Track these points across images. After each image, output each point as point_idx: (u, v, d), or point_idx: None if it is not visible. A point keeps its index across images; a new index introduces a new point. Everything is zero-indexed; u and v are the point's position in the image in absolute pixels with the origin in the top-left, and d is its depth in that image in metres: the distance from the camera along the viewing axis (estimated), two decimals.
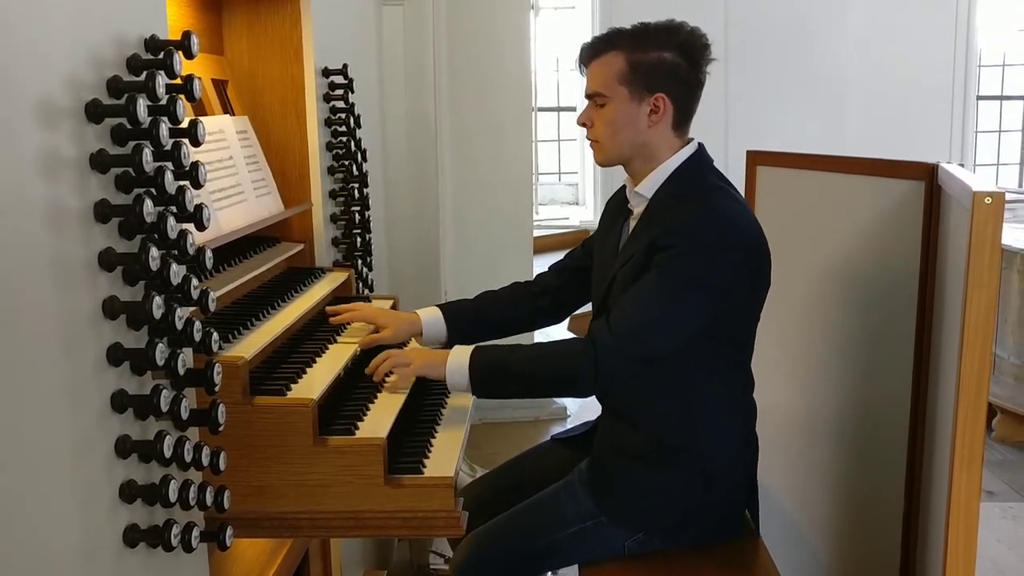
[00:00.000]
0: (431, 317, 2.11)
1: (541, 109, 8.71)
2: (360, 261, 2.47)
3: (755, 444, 2.06)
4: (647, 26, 1.90)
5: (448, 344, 2.13)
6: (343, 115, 2.46)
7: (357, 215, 2.49)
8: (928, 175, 2.11)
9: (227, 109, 2.12)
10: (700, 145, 1.97)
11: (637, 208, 1.98)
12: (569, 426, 2.72)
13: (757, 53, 7.39)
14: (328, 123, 2.42)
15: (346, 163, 2.46)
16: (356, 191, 2.49)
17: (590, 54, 1.94)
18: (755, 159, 2.67)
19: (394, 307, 2.32)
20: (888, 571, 2.29)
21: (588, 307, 2.27)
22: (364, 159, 2.56)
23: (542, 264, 2.42)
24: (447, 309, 2.15)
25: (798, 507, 2.60)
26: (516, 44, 4.62)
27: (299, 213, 2.21)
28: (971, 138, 8.40)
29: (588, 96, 1.95)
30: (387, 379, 1.87)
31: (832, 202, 2.43)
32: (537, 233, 5.18)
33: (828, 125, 7.36)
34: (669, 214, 1.87)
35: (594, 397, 2.06)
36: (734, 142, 5.74)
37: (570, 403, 4.96)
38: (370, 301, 2.31)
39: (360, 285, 2.45)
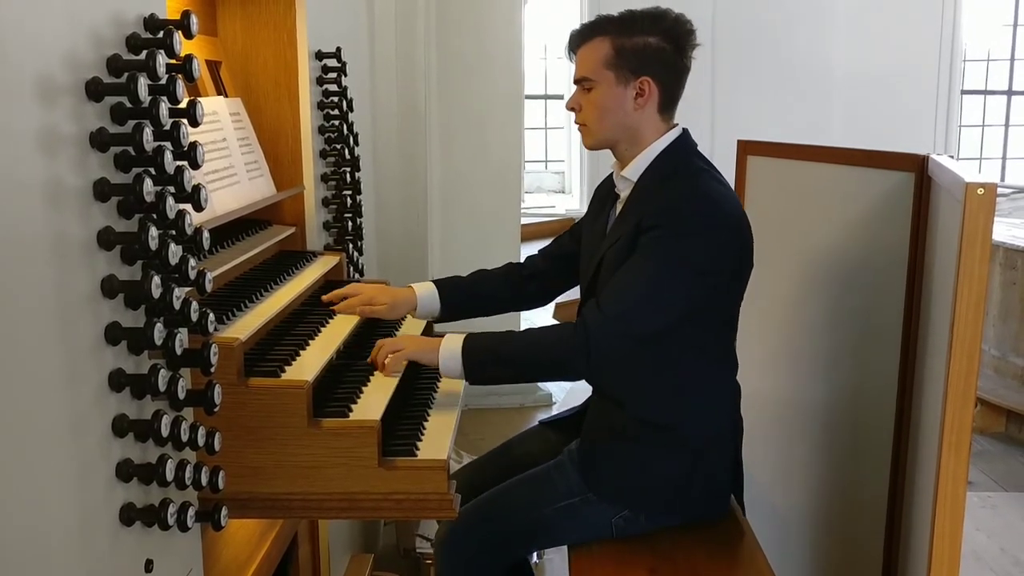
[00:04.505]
0: (426, 292, 2.15)
1: (528, 97, 8.70)
2: (351, 245, 2.47)
3: (740, 424, 2.09)
4: (633, 12, 1.94)
5: (440, 318, 2.16)
6: (336, 98, 2.45)
7: (348, 199, 2.48)
8: (918, 166, 2.13)
9: (220, 91, 2.11)
10: (684, 130, 2.01)
11: (624, 192, 2.01)
12: (555, 412, 2.74)
13: (744, 45, 7.41)
14: (321, 106, 2.41)
15: (338, 147, 2.45)
16: (348, 175, 2.48)
17: (578, 40, 1.98)
18: (746, 148, 2.68)
19: None
20: (872, 556, 2.31)
21: (573, 293, 2.28)
22: (356, 143, 2.56)
23: (528, 251, 2.44)
24: (442, 285, 2.18)
25: (783, 491, 2.63)
26: (506, 31, 4.61)
27: (291, 196, 2.21)
28: (955, 132, 8.46)
29: (576, 81, 1.98)
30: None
31: (822, 192, 2.45)
32: (523, 221, 5.18)
33: (813, 117, 7.39)
34: (654, 196, 1.91)
35: (582, 380, 2.08)
36: (720, 134, 5.76)
37: (556, 389, 4.98)
38: None
39: (351, 269, 2.45)
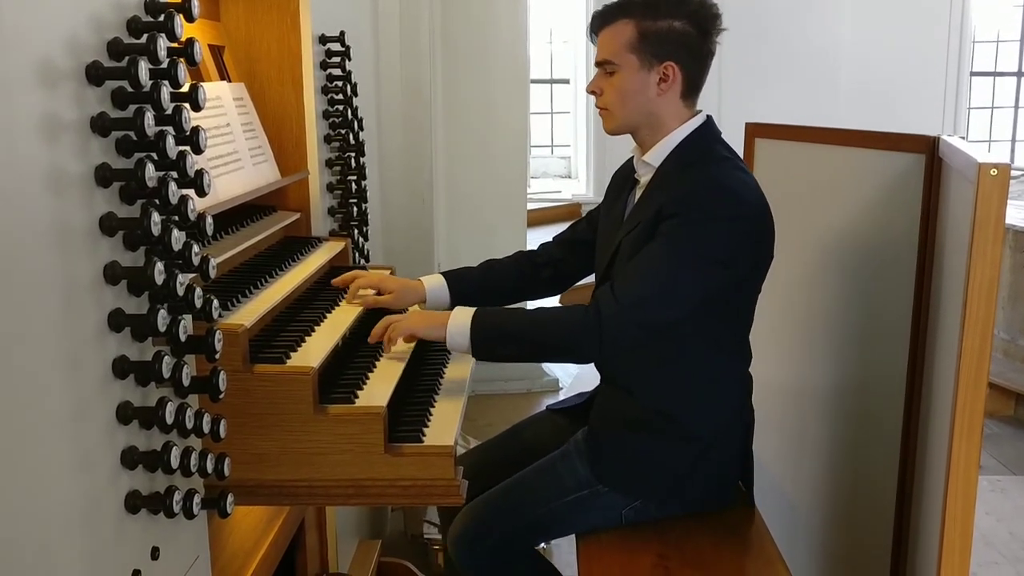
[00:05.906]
0: (435, 285, 2.13)
1: (534, 81, 8.64)
2: (356, 231, 2.46)
3: (750, 415, 2.07)
4: None
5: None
6: (340, 83, 2.44)
7: (353, 184, 2.47)
8: (929, 148, 2.11)
9: (224, 76, 2.10)
10: (709, 117, 1.98)
11: (644, 177, 1.98)
12: (562, 397, 2.74)
13: (752, 27, 7.35)
14: (325, 91, 2.40)
15: (343, 132, 2.44)
16: (352, 160, 2.47)
17: (600, 22, 1.94)
18: (754, 131, 2.66)
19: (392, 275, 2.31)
20: (882, 541, 2.31)
21: (586, 280, 2.27)
22: (361, 128, 2.54)
23: (534, 237, 2.42)
24: (451, 277, 2.16)
25: (793, 478, 2.62)
26: (511, 16, 4.58)
27: (296, 182, 2.20)
28: (964, 114, 8.40)
29: (598, 64, 1.94)
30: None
31: (831, 175, 2.43)
32: (529, 206, 5.16)
33: (821, 100, 7.35)
34: (675, 183, 1.88)
35: (591, 366, 2.07)
36: (727, 116, 5.71)
37: (562, 375, 4.97)
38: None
39: (356, 255, 2.44)
